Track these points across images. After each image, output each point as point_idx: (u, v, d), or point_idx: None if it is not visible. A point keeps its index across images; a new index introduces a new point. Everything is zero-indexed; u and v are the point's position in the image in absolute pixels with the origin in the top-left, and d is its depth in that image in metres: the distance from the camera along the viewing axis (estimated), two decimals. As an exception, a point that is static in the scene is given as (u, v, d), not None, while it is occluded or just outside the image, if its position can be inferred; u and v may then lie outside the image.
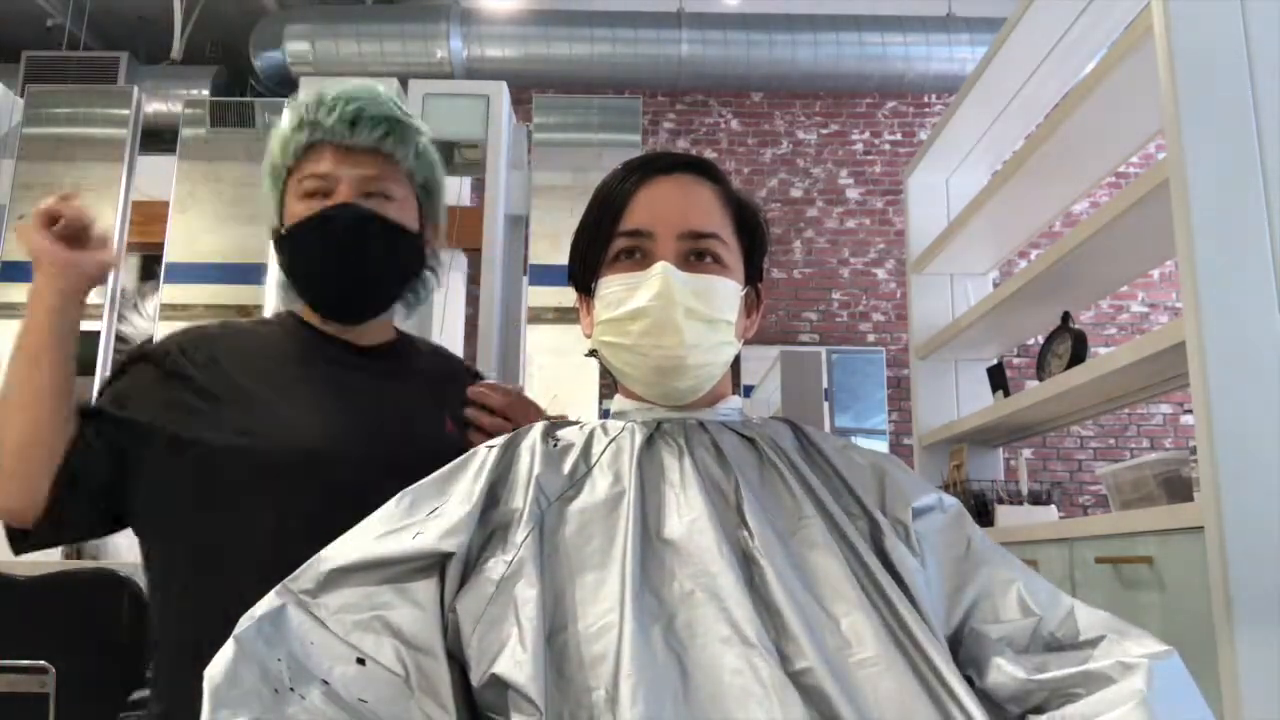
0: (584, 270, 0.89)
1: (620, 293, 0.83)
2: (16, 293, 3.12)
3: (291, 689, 0.61)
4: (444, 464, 0.81)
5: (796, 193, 5.85)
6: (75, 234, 0.98)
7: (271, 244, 1.09)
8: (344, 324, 1.09)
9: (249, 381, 1.01)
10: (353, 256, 1.03)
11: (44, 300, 0.96)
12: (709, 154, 5.78)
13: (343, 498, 0.83)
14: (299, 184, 1.05)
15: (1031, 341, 4.15)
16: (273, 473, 0.95)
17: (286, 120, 1.07)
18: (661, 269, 0.81)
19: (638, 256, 0.84)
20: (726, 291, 0.84)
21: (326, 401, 1.02)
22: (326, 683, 0.63)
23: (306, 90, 2.86)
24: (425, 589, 0.69)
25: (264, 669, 0.62)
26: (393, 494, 0.77)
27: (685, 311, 0.80)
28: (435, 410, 1.09)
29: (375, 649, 0.66)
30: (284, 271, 1.08)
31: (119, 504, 0.99)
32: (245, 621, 0.65)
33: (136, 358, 1.04)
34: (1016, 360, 5.10)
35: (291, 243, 1.05)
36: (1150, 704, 0.61)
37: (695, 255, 0.84)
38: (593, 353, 0.92)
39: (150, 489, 0.97)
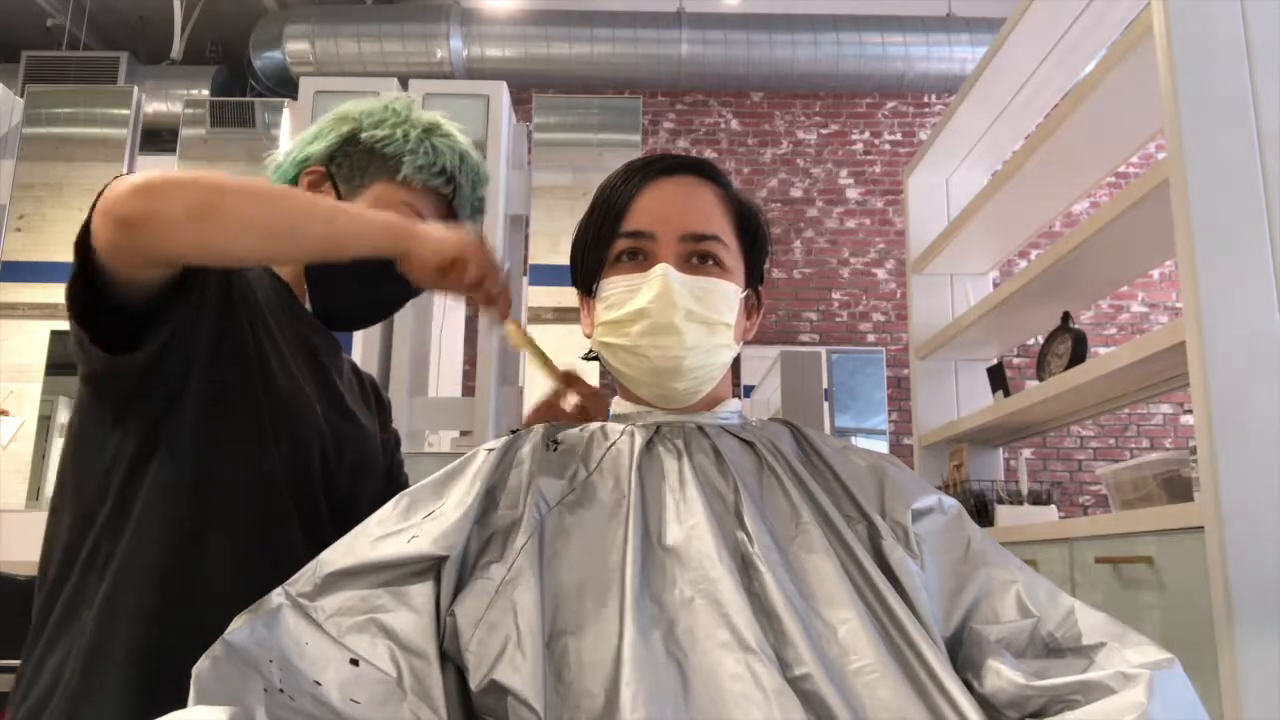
0: (585, 271, 0.89)
1: (621, 294, 0.83)
2: (17, 293, 3.11)
3: (281, 690, 0.61)
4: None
5: (796, 193, 5.85)
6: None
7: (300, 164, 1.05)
8: (332, 330, 1.10)
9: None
10: (391, 306, 1.09)
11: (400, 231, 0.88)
12: (709, 154, 5.78)
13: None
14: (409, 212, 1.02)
15: (1031, 341, 4.15)
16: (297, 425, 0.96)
17: (422, 158, 1.05)
18: (662, 271, 0.81)
19: (639, 258, 0.84)
20: (726, 294, 0.84)
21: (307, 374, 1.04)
22: (319, 684, 0.63)
23: (306, 90, 2.88)
24: (421, 592, 0.69)
25: (255, 669, 0.61)
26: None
27: (685, 314, 0.81)
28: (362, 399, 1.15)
29: (370, 651, 0.65)
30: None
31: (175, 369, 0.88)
32: (238, 622, 0.64)
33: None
34: (1016, 360, 5.10)
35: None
36: (1151, 717, 0.59)
37: (696, 257, 0.84)
38: (593, 356, 0.92)
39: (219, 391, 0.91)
